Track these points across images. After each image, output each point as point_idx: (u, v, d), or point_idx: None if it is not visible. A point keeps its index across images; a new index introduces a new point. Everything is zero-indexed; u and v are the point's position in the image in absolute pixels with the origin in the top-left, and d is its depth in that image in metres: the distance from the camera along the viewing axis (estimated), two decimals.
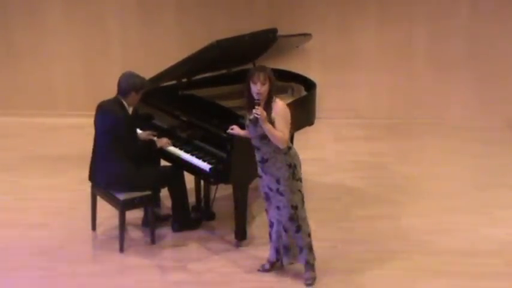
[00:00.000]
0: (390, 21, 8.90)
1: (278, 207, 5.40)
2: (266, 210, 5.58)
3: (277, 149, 5.22)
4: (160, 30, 9.00)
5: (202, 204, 6.55)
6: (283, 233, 5.46)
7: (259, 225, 6.42)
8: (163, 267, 5.79)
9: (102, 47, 9.08)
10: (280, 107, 5.19)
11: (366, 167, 7.80)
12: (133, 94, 5.87)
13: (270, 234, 5.61)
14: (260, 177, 5.44)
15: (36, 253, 5.97)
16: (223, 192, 6.46)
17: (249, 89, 5.17)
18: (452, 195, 7.07)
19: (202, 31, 8.56)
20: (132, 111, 6.66)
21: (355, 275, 5.66)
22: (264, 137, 5.19)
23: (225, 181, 5.89)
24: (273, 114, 5.16)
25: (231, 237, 6.11)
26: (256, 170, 5.88)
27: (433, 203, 6.89)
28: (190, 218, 6.37)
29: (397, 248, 6.09)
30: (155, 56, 8.65)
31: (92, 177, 6.11)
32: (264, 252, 5.80)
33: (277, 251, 5.59)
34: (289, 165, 5.27)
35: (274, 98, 5.20)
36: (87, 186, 6.20)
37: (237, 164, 5.78)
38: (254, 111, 5.08)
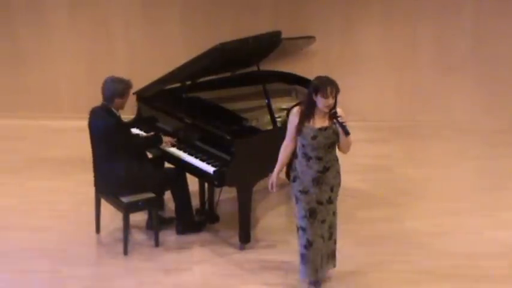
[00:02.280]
0: (394, 23, 8.89)
1: (324, 221, 5.24)
2: (303, 229, 5.25)
3: (335, 157, 5.17)
4: (164, 33, 9.00)
5: (206, 207, 6.55)
6: (328, 241, 5.32)
7: (263, 228, 6.43)
8: (167, 270, 5.79)
9: (106, 49, 9.09)
10: (343, 114, 5.08)
11: (370, 169, 7.79)
12: (117, 100, 5.87)
13: (302, 256, 5.31)
14: (306, 192, 5.17)
15: (41, 256, 5.98)
16: (227, 195, 6.46)
17: (311, 100, 5.01)
18: (457, 198, 7.06)
19: (207, 34, 8.55)
20: (136, 114, 6.70)
21: (359, 277, 5.65)
22: (330, 145, 5.09)
23: (229, 184, 5.89)
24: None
25: (235, 240, 6.11)
26: (260, 172, 5.90)
27: (437, 206, 6.89)
28: (194, 220, 6.37)
29: (401, 250, 6.09)
30: (160, 58, 8.65)
31: (97, 184, 6.11)
32: (268, 255, 5.82)
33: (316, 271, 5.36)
34: (338, 172, 5.25)
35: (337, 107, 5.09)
36: (91, 188, 6.20)
37: (241, 166, 5.78)
38: (340, 120, 4.97)
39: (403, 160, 8.06)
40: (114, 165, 5.85)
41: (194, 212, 6.41)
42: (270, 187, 5.31)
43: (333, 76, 5.12)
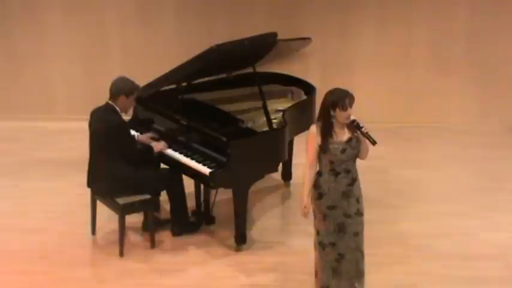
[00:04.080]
0: (390, 24, 8.91)
1: (356, 233, 5.15)
2: (332, 244, 5.07)
3: (356, 167, 5.13)
4: (159, 34, 9.01)
5: (202, 208, 6.54)
6: (361, 259, 5.22)
7: (259, 230, 6.42)
8: (163, 271, 5.78)
9: (101, 51, 9.08)
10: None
11: (365, 171, 7.71)
12: (122, 98, 5.87)
13: (334, 270, 5.11)
14: (334, 207, 5.04)
15: (36, 257, 5.97)
16: (223, 196, 6.45)
17: (328, 116, 4.93)
18: (452, 199, 7.06)
19: (202, 35, 8.57)
20: (132, 116, 6.69)
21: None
22: (356, 155, 5.08)
23: (225, 185, 5.89)
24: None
25: (231, 241, 6.10)
26: (256, 174, 5.90)
27: (432, 207, 6.89)
28: (189, 222, 6.36)
29: (398, 252, 6.09)
30: (155, 60, 8.65)
31: (91, 184, 6.11)
32: (264, 256, 5.80)
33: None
34: (359, 182, 5.20)
35: None
36: (87, 190, 6.19)
37: (237, 168, 5.77)
38: (364, 130, 4.97)
39: (398, 162, 8.06)
40: (112, 166, 5.84)
41: (190, 213, 6.41)
42: (303, 214, 5.06)
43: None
